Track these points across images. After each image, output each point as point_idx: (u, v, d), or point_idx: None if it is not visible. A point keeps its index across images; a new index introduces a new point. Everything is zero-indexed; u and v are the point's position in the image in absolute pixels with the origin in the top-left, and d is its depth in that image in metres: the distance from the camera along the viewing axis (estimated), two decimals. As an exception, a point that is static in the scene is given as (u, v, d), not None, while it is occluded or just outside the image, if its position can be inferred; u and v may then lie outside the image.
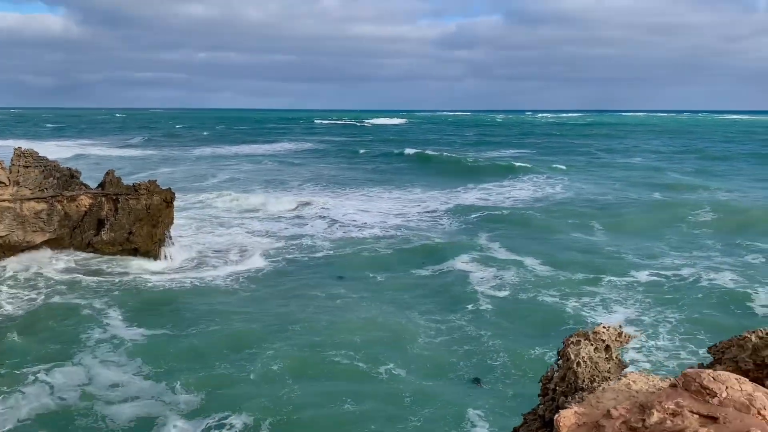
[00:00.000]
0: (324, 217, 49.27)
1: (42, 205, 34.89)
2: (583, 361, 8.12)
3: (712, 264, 35.00)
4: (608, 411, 5.48)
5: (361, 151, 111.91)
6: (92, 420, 18.56)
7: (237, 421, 18.21)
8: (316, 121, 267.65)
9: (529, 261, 35.28)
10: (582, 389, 7.98)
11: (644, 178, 71.83)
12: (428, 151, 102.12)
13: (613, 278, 31.92)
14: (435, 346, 24.05)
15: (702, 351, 22.87)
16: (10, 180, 34.81)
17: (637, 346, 23.24)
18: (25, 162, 35.61)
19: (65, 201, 35.76)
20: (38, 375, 21.09)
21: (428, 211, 52.68)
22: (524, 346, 23.59)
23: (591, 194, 60.10)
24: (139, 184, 36.93)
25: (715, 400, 5.17)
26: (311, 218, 48.97)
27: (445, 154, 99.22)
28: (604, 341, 8.36)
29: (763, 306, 28.28)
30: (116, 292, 30.18)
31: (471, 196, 61.42)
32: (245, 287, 31.75)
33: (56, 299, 29.11)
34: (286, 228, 45.67)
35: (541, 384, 8.76)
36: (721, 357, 7.92)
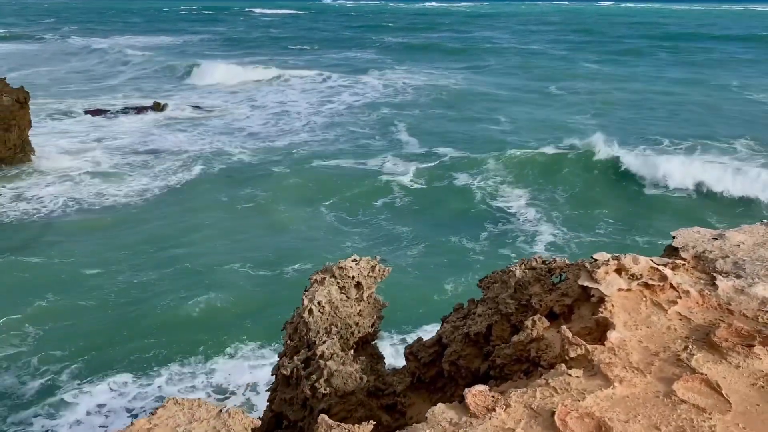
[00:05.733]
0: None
1: None
2: (318, 305, 6.28)
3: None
4: None
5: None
6: None
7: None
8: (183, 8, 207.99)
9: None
10: (313, 343, 6.19)
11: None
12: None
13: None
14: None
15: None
16: None
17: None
18: None
19: None
20: None
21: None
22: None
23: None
24: (-19, 84, 32.41)
25: None
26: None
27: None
28: (353, 278, 6.52)
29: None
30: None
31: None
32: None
33: None
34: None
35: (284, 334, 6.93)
36: (486, 294, 6.21)
